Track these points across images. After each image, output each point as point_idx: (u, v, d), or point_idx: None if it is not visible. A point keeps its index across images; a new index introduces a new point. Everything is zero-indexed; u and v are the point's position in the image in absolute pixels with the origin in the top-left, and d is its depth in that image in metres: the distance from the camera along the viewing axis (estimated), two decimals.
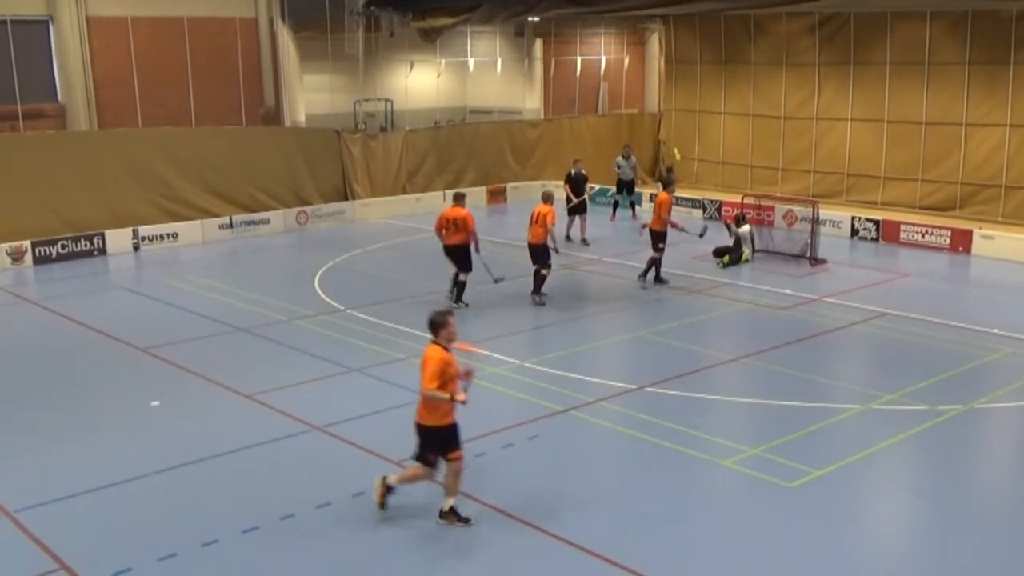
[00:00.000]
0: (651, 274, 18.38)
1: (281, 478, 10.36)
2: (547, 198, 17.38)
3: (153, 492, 10.02)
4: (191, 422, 11.99)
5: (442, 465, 9.12)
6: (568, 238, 22.11)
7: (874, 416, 11.97)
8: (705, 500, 9.82)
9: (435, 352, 8.85)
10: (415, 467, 9.21)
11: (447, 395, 8.74)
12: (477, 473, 10.20)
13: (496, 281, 17.32)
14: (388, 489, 9.30)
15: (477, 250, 16.62)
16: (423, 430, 9.01)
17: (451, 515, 9.13)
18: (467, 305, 16.69)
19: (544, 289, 17.21)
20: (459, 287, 16.76)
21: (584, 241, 22.28)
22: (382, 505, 9.28)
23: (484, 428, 11.24)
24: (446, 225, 16.60)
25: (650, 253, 18.33)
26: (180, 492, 10.03)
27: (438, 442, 8.99)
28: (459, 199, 17.07)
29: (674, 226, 18.27)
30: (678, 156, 28.55)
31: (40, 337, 15.86)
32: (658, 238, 18.15)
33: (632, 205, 26.08)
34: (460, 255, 16.62)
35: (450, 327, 8.98)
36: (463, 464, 9.13)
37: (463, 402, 8.81)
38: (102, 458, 10.88)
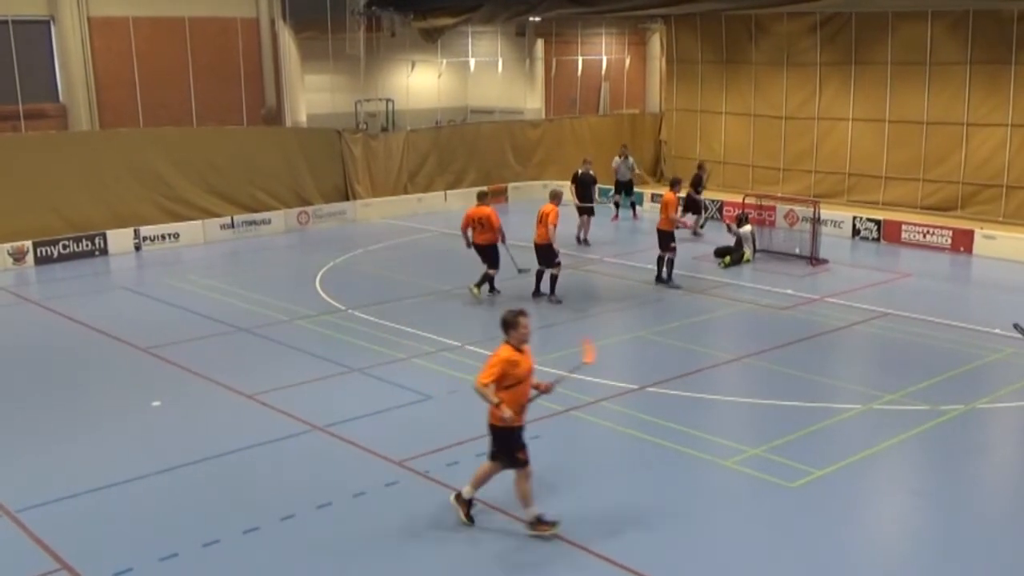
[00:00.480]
0: (666, 271, 18.31)
1: (282, 478, 10.36)
2: (553, 196, 17.39)
3: (154, 492, 10.02)
4: (192, 422, 11.99)
5: (483, 459, 9.05)
6: (577, 239, 22.05)
7: (875, 416, 11.96)
8: (706, 500, 9.81)
9: (504, 351, 8.65)
10: (518, 475, 8.87)
11: (495, 400, 8.50)
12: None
13: (520, 271, 17.48)
14: (539, 522, 8.86)
15: (503, 242, 17.07)
16: (495, 431, 8.79)
17: (464, 504, 9.04)
18: (476, 296, 17.13)
19: (544, 289, 17.27)
20: (484, 278, 17.29)
21: (585, 241, 22.26)
22: (554, 530, 8.84)
23: (486, 428, 11.22)
24: (473, 224, 17.07)
25: (662, 255, 18.30)
26: (181, 492, 10.03)
27: (508, 442, 8.75)
28: (482, 198, 17.63)
29: (683, 225, 18.24)
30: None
31: (41, 337, 15.87)
32: (668, 238, 18.12)
33: (633, 205, 26.05)
34: (487, 252, 17.13)
35: (521, 328, 8.69)
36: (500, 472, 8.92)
37: (507, 416, 8.50)
38: (103, 458, 10.89)
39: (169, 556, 8.66)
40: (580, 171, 22.70)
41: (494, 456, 8.96)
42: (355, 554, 8.77)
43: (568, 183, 22.89)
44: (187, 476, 10.37)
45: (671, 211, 18.11)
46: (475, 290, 17.18)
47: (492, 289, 17.46)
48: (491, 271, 17.22)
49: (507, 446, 8.82)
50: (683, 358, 14.27)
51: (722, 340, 15.50)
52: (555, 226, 16.79)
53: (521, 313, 8.83)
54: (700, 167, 24.53)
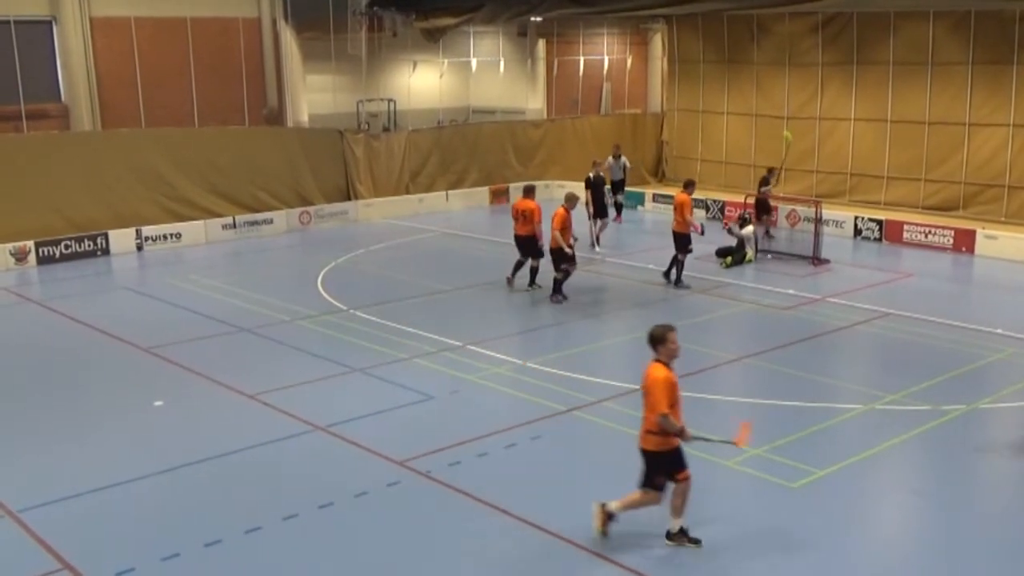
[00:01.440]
0: (675, 272, 18.29)
1: (283, 478, 10.36)
2: (565, 200, 17.40)
3: (156, 492, 10.02)
4: (194, 422, 11.99)
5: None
6: (592, 243, 22.00)
7: (877, 416, 11.96)
8: (707, 501, 9.79)
9: (660, 371, 8.30)
10: (640, 492, 8.65)
11: (680, 427, 8.25)
12: (480, 475, 10.23)
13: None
14: (609, 516, 8.68)
15: (539, 237, 17.44)
16: (650, 455, 8.48)
17: (680, 536, 8.74)
18: (540, 287, 17.64)
19: (540, 281, 17.56)
20: (531, 272, 17.73)
21: (596, 243, 22.05)
22: (604, 533, 8.69)
23: (487, 428, 11.25)
24: (516, 216, 17.69)
25: (678, 257, 18.27)
26: (183, 492, 10.03)
27: (666, 465, 8.49)
28: (529, 192, 18.17)
29: (695, 229, 18.21)
30: (790, 137, 25.86)
31: (43, 337, 15.88)
32: (684, 240, 18.07)
33: (620, 207, 25.89)
34: (527, 245, 17.63)
35: (670, 343, 8.35)
36: (691, 483, 8.70)
37: (687, 440, 8.40)
38: (105, 458, 10.89)
39: (171, 556, 8.66)
40: (592, 175, 22.52)
41: (672, 479, 8.60)
42: (356, 554, 8.77)
43: (583, 187, 22.63)
44: (189, 476, 10.37)
45: (686, 212, 18.07)
46: (533, 287, 17.59)
47: (532, 282, 17.77)
48: (534, 261, 17.63)
49: (659, 468, 8.51)
50: (685, 358, 13.99)
51: (724, 340, 15.49)
52: (559, 230, 16.79)
53: (670, 328, 8.48)
54: (769, 171, 23.35)
